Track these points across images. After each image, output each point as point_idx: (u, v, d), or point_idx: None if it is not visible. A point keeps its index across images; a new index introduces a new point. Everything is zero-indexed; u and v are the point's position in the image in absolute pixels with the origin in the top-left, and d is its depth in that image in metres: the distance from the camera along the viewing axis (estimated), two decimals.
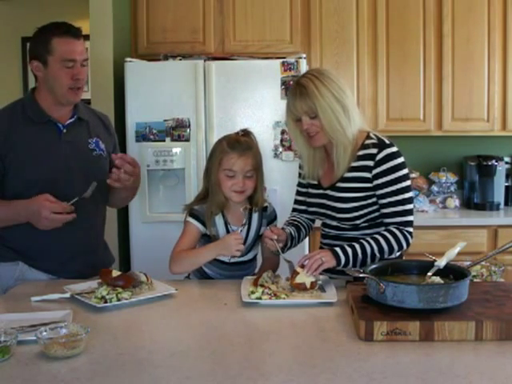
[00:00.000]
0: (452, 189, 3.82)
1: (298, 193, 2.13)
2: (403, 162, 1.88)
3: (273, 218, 2.11)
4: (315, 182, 2.02)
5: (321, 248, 2.05)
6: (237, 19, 3.54)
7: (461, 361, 1.28)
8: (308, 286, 1.75)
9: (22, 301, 1.74)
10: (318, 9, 3.53)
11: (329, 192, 1.95)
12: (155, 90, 3.17)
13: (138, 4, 3.55)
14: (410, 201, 1.88)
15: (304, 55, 3.22)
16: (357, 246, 1.82)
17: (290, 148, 3.15)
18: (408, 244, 1.87)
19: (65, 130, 2.05)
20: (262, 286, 1.75)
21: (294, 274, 1.78)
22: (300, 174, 2.12)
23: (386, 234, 1.85)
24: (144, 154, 3.16)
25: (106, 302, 1.66)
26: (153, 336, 1.49)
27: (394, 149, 1.88)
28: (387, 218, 1.88)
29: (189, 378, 1.20)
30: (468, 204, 3.78)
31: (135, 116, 3.19)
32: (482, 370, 1.23)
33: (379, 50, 3.55)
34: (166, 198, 3.25)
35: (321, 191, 1.99)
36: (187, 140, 3.18)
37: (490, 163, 3.65)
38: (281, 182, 3.09)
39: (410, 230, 1.88)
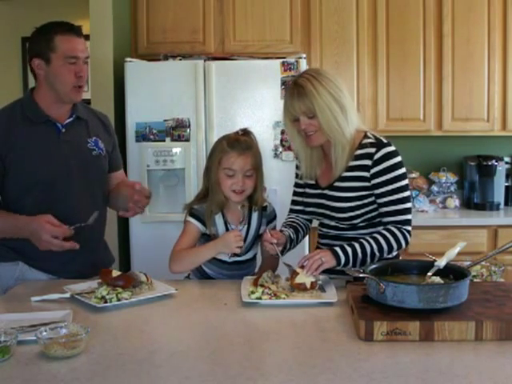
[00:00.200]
0: (452, 189, 3.82)
1: (295, 193, 2.13)
2: (401, 161, 1.89)
3: (272, 218, 2.11)
4: (313, 182, 2.02)
5: (318, 248, 2.05)
6: (237, 19, 3.54)
7: (461, 361, 1.28)
8: (308, 286, 1.75)
9: (22, 301, 1.74)
10: (318, 9, 3.53)
11: (327, 192, 1.95)
12: (155, 90, 3.17)
13: (138, 4, 3.55)
14: (408, 199, 1.88)
15: (304, 55, 3.22)
16: (356, 246, 1.82)
17: (290, 148, 3.15)
18: (407, 243, 1.87)
19: (64, 130, 2.05)
20: (261, 285, 1.75)
21: (294, 274, 1.78)
22: (297, 175, 2.12)
23: (384, 232, 1.85)
24: (144, 154, 3.16)
25: (106, 301, 1.66)
26: (153, 336, 1.49)
27: (392, 148, 1.89)
28: (386, 217, 1.89)
29: (189, 378, 1.20)
30: (468, 204, 3.78)
31: (135, 116, 3.19)
32: (482, 370, 1.23)
33: (379, 50, 3.55)
34: (166, 198, 3.25)
35: (319, 191, 1.99)
36: (187, 140, 3.18)
37: (489, 163, 3.65)
38: (281, 182, 3.09)
39: (409, 228, 1.88)
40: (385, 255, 1.85)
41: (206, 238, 2.01)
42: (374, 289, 1.51)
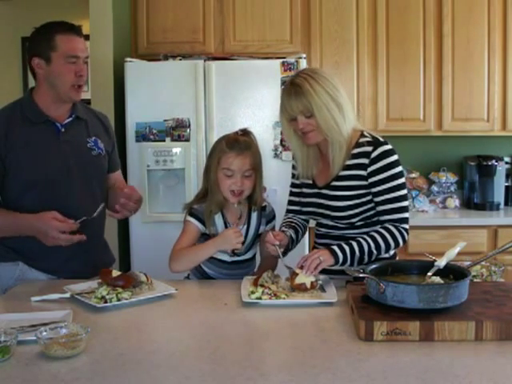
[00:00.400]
0: (452, 189, 3.82)
1: (292, 193, 2.12)
2: (398, 160, 1.89)
3: (271, 218, 2.11)
4: (310, 182, 2.02)
5: (315, 248, 2.04)
6: (237, 19, 3.54)
7: (461, 361, 1.28)
8: (308, 286, 1.75)
9: (22, 301, 1.74)
10: (318, 9, 3.53)
11: (324, 191, 1.95)
12: (155, 90, 3.17)
13: (138, 4, 3.55)
14: (405, 198, 1.89)
15: (304, 55, 3.22)
16: (354, 244, 1.83)
17: (289, 148, 3.15)
18: (404, 241, 1.88)
19: (63, 130, 2.05)
20: (261, 285, 1.75)
21: (294, 275, 1.78)
22: (293, 175, 2.11)
23: (382, 231, 1.85)
24: (144, 154, 3.16)
25: (106, 301, 1.66)
26: (153, 336, 1.49)
27: (389, 146, 1.89)
28: (383, 216, 1.89)
29: (189, 378, 1.20)
30: (468, 204, 3.78)
31: (135, 116, 3.19)
32: (482, 370, 1.23)
33: (379, 50, 3.55)
34: (165, 198, 3.25)
35: (316, 190, 1.99)
36: (187, 140, 3.18)
37: (490, 163, 3.64)
38: (281, 182, 3.08)
39: (406, 226, 1.88)
40: (382, 253, 1.86)
41: (206, 237, 2.01)
42: (374, 289, 1.51)
